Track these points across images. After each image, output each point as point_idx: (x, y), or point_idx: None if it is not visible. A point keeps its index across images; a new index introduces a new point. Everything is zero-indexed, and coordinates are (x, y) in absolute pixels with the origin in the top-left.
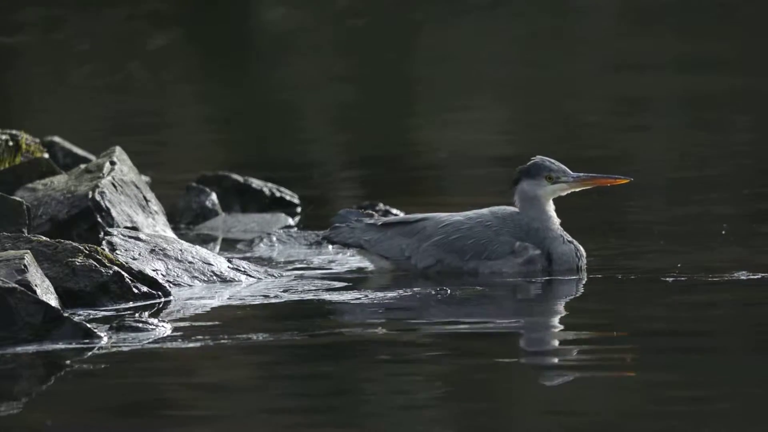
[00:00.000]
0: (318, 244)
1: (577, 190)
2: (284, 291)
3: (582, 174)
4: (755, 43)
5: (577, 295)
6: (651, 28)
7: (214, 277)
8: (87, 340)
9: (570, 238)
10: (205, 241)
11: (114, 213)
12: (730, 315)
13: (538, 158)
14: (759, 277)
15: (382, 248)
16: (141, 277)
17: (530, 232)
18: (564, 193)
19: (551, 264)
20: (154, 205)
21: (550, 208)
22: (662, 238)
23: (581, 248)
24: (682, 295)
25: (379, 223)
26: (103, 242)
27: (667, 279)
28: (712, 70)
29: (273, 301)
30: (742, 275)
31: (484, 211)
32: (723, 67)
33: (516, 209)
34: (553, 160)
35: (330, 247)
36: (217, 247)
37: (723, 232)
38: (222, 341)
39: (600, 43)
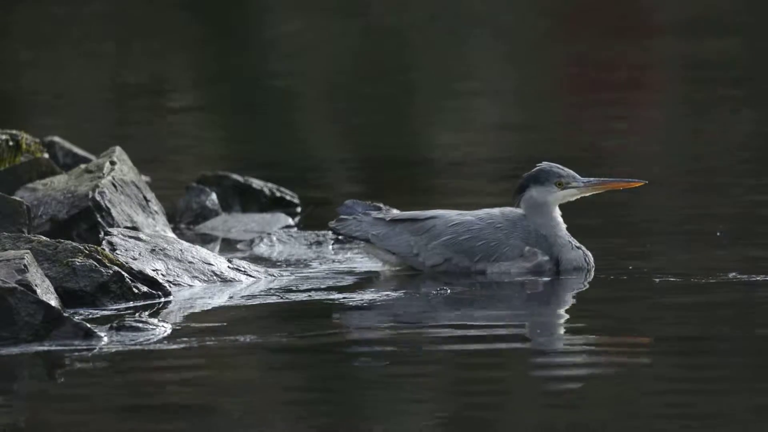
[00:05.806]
0: (318, 244)
1: (588, 195)
2: (284, 291)
3: (593, 179)
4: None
5: (580, 296)
6: None
7: (214, 277)
8: (87, 340)
9: (578, 244)
10: (205, 241)
11: (114, 213)
12: (731, 315)
13: (545, 164)
14: (760, 277)
15: (389, 243)
16: (141, 277)
17: (539, 239)
18: (573, 199)
19: (559, 270)
20: (154, 205)
21: (558, 214)
22: (662, 237)
23: (589, 254)
24: (682, 295)
25: (388, 218)
26: (103, 242)
27: (668, 279)
28: (713, 33)
29: (273, 301)
30: (743, 275)
31: (495, 211)
32: (726, 31)
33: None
34: (560, 166)
35: (330, 246)
36: (217, 247)
37: (718, 234)
38: (222, 341)
39: (599, 13)
